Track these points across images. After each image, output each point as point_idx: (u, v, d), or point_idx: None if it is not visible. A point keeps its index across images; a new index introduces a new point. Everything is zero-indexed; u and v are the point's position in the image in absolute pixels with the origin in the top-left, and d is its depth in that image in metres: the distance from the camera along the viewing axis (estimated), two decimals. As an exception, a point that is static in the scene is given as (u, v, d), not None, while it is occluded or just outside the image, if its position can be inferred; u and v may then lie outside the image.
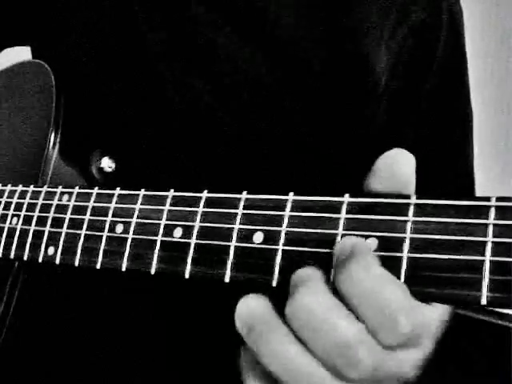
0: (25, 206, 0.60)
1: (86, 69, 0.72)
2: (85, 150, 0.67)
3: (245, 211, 0.45)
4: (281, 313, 0.40)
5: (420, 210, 0.39)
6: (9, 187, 0.64)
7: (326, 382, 0.38)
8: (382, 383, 0.39)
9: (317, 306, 0.38)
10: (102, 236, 0.53)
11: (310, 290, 0.38)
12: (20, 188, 0.62)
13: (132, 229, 0.51)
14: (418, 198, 0.39)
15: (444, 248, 0.37)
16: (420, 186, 0.42)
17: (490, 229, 0.36)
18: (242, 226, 0.45)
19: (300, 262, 0.42)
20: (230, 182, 0.64)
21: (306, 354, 0.38)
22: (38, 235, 0.58)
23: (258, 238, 0.44)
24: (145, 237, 0.50)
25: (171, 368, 0.70)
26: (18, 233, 0.60)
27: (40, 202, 0.59)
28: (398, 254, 0.39)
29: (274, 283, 0.42)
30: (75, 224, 0.55)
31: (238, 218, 0.45)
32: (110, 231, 0.52)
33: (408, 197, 0.39)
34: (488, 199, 0.37)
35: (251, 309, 0.40)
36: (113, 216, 0.53)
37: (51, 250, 0.56)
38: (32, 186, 0.61)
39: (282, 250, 0.43)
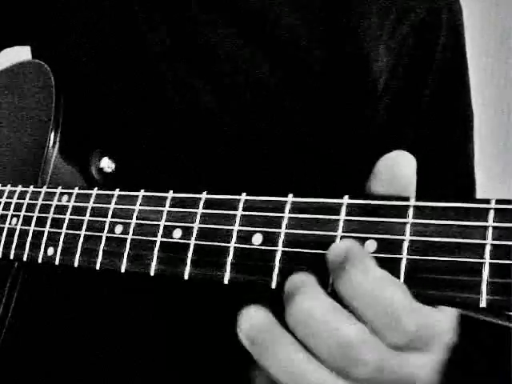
0: (24, 207, 0.60)
1: (86, 69, 0.72)
2: (84, 149, 0.67)
3: (244, 213, 0.45)
4: (282, 321, 0.40)
5: (419, 212, 0.39)
6: (8, 187, 0.64)
7: None
8: None
9: (316, 309, 0.38)
10: (101, 237, 0.53)
11: (308, 296, 0.39)
12: (19, 188, 0.62)
13: (131, 230, 0.51)
14: (417, 200, 0.39)
15: (443, 250, 0.37)
16: (420, 186, 0.42)
17: (490, 231, 0.36)
18: (241, 228, 0.45)
19: (299, 263, 0.42)
20: (230, 182, 0.64)
21: (311, 360, 0.39)
22: (37, 236, 0.58)
23: (258, 239, 0.44)
24: (144, 238, 0.50)
25: (171, 368, 0.70)
26: (17, 233, 0.60)
27: (39, 202, 0.59)
28: (398, 256, 0.39)
29: (274, 285, 0.42)
30: (75, 224, 0.55)
31: (238, 219, 0.45)
32: (109, 232, 0.52)
33: (407, 199, 0.39)
34: (487, 201, 0.37)
35: (253, 321, 0.40)
36: (112, 217, 0.53)
37: (51, 251, 0.56)
38: (31, 187, 0.61)
39: (282, 251, 0.43)
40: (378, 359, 0.37)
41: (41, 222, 0.58)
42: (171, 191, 0.50)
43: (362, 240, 0.40)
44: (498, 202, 0.36)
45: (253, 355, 0.40)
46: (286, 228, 0.43)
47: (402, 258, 0.38)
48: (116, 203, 0.53)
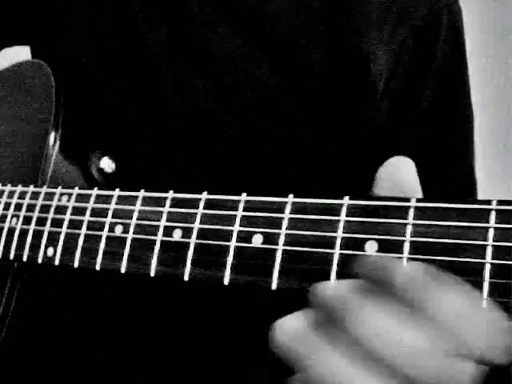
0: (24, 207, 0.60)
1: (86, 69, 0.72)
2: (85, 149, 0.67)
3: (244, 213, 0.45)
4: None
5: (420, 212, 0.39)
6: (8, 187, 0.64)
7: None
8: None
9: (380, 319, 0.36)
10: (101, 237, 0.53)
11: (368, 305, 0.36)
12: (19, 188, 0.62)
13: (131, 230, 0.51)
14: (418, 201, 0.39)
15: (444, 251, 0.37)
16: (421, 186, 0.42)
17: (491, 232, 0.36)
18: (241, 228, 0.45)
19: (300, 264, 0.42)
20: (230, 182, 0.63)
21: (358, 365, 0.36)
22: (37, 236, 0.58)
23: (258, 240, 0.44)
24: (144, 238, 0.50)
25: (171, 368, 0.70)
26: (17, 233, 0.60)
27: (39, 202, 0.59)
28: (399, 257, 0.38)
29: (274, 286, 0.42)
30: (75, 225, 0.55)
31: (238, 220, 0.45)
32: (109, 232, 0.52)
33: (408, 200, 0.39)
34: (488, 202, 0.37)
35: (289, 330, 0.38)
36: (112, 217, 0.53)
37: (50, 251, 0.56)
38: (31, 187, 0.61)
39: (282, 252, 0.43)
40: (468, 371, 0.35)
41: (41, 222, 0.58)
42: (171, 191, 0.50)
43: (363, 241, 0.40)
44: (500, 202, 0.36)
45: (292, 364, 0.38)
46: (287, 228, 0.43)
47: (402, 259, 0.38)
48: (116, 203, 0.53)
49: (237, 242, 0.45)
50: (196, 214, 0.47)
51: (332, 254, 0.41)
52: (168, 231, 0.48)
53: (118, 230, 0.52)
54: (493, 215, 0.36)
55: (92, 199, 0.55)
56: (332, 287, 0.38)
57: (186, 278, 0.46)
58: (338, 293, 0.37)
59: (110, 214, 0.53)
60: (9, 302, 0.62)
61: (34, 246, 0.58)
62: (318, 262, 0.41)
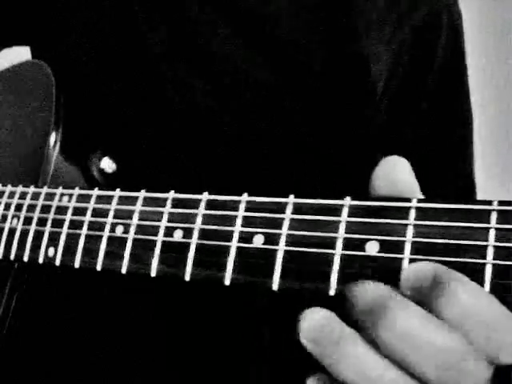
0: (25, 207, 0.60)
1: (86, 69, 0.72)
2: (85, 150, 0.67)
3: (245, 214, 0.45)
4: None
5: (421, 213, 0.39)
6: (9, 188, 0.64)
7: None
8: None
9: (414, 322, 0.36)
10: (102, 237, 0.53)
11: (400, 308, 0.36)
12: (20, 189, 0.62)
13: (132, 230, 0.51)
14: (419, 202, 0.39)
15: (445, 252, 0.37)
16: (420, 186, 0.42)
17: (492, 233, 0.36)
18: (242, 229, 0.45)
19: (301, 264, 0.42)
20: (230, 182, 0.63)
21: (382, 359, 0.36)
22: (38, 236, 0.58)
23: (259, 240, 0.44)
24: (145, 238, 0.50)
25: (171, 368, 0.70)
26: (18, 234, 0.60)
27: (40, 202, 0.59)
28: (400, 257, 0.38)
29: (275, 286, 0.42)
30: (75, 225, 0.55)
31: (239, 220, 0.45)
32: (110, 232, 0.52)
33: (409, 200, 0.39)
34: (490, 203, 0.37)
35: (314, 321, 0.38)
36: (113, 217, 0.53)
37: (51, 251, 0.56)
38: (32, 187, 0.61)
39: (283, 252, 0.43)
40: (487, 372, 0.35)
41: (41, 222, 0.58)
42: (172, 192, 0.50)
43: (364, 241, 0.40)
44: (500, 203, 0.36)
45: (317, 357, 0.38)
46: (288, 229, 0.43)
47: (403, 260, 0.38)
48: (117, 204, 0.53)
49: (238, 242, 0.45)
50: (197, 214, 0.47)
51: (333, 254, 0.41)
52: (169, 232, 0.48)
53: (119, 230, 0.52)
54: (494, 216, 0.36)
55: (93, 199, 0.55)
56: (372, 288, 0.38)
57: (187, 278, 0.46)
58: (377, 293, 0.37)
59: (110, 214, 0.53)
60: (9, 303, 0.62)
61: (35, 247, 0.58)
62: (319, 262, 0.41)
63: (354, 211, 0.41)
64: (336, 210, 0.42)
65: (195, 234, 0.47)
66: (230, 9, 0.70)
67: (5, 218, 0.62)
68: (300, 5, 0.70)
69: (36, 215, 0.59)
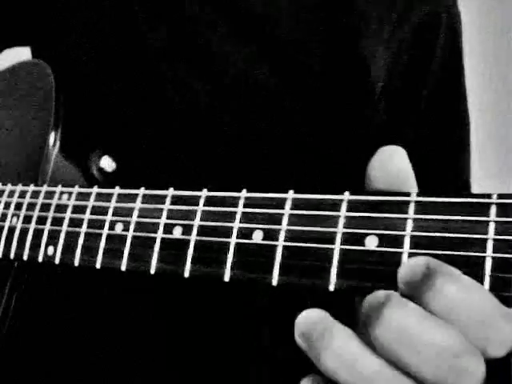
0: (24, 206, 0.60)
1: (86, 69, 0.72)
2: (85, 149, 0.67)
3: (244, 210, 0.45)
4: None
5: (420, 207, 0.39)
6: (9, 186, 0.64)
7: None
8: None
9: (411, 319, 0.35)
10: (101, 235, 0.52)
11: (397, 306, 0.36)
12: (20, 187, 0.62)
13: (132, 228, 0.51)
14: (418, 196, 0.39)
15: (445, 245, 0.37)
16: (419, 186, 0.42)
17: (491, 226, 0.36)
18: (241, 225, 0.45)
19: (300, 260, 0.42)
20: (230, 182, 0.63)
21: (373, 355, 0.36)
22: (37, 235, 0.58)
23: (258, 236, 0.44)
24: (145, 235, 0.50)
25: (171, 368, 0.70)
26: (17, 232, 0.60)
27: (40, 201, 0.59)
28: (399, 251, 0.38)
29: (275, 282, 0.42)
30: (75, 223, 0.55)
31: (238, 216, 0.45)
32: (109, 230, 0.52)
33: (408, 194, 0.39)
34: (489, 196, 0.37)
35: (307, 319, 0.38)
36: (112, 215, 0.53)
37: (51, 250, 0.56)
38: (32, 186, 0.61)
39: (282, 248, 0.43)
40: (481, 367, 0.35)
41: (41, 220, 0.58)
42: (171, 188, 0.50)
43: (363, 236, 0.40)
44: (500, 196, 0.36)
45: (309, 355, 0.38)
46: (287, 225, 0.43)
47: (403, 254, 0.38)
48: (116, 201, 0.53)
49: (237, 238, 0.45)
50: (196, 211, 0.47)
51: (332, 249, 0.41)
52: (168, 228, 0.48)
53: (119, 227, 0.52)
54: (493, 209, 0.36)
55: (92, 197, 0.55)
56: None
57: (187, 275, 0.46)
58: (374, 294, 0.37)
59: (110, 212, 0.53)
60: (9, 303, 0.62)
61: (35, 245, 0.57)
62: (318, 257, 0.41)
63: (353, 206, 0.41)
64: (335, 205, 0.42)
65: (195, 231, 0.47)
66: (230, 9, 0.70)
67: (4, 216, 0.62)
68: (300, 5, 0.70)
69: (35, 214, 0.59)
